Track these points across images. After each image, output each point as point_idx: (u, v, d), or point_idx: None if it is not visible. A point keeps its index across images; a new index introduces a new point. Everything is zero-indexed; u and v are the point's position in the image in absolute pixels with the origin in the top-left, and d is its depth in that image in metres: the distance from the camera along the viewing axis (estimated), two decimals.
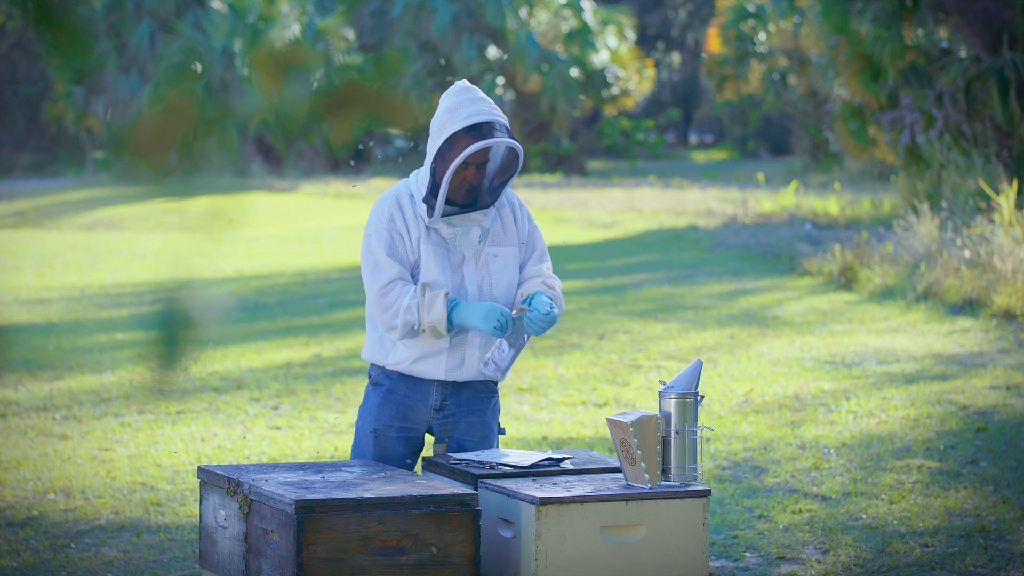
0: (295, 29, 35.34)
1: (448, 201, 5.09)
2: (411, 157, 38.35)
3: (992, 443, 8.58)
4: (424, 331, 5.03)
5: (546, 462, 4.92)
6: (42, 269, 18.89)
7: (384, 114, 2.50)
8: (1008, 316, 13.10)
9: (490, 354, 5.05)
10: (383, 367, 5.17)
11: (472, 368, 5.10)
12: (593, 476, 4.82)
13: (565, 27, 39.84)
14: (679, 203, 27.55)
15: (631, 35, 42.01)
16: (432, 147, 5.07)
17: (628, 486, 4.67)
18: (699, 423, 4.73)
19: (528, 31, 38.78)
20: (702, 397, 4.77)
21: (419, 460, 5.22)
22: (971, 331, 12.58)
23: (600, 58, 40.21)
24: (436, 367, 5.10)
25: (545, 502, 4.51)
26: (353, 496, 4.42)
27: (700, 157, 50.09)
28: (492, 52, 38.64)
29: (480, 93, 5.11)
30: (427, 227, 5.10)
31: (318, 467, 4.90)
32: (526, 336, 5.06)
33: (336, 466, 4.92)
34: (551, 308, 5.02)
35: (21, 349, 12.24)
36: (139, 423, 9.41)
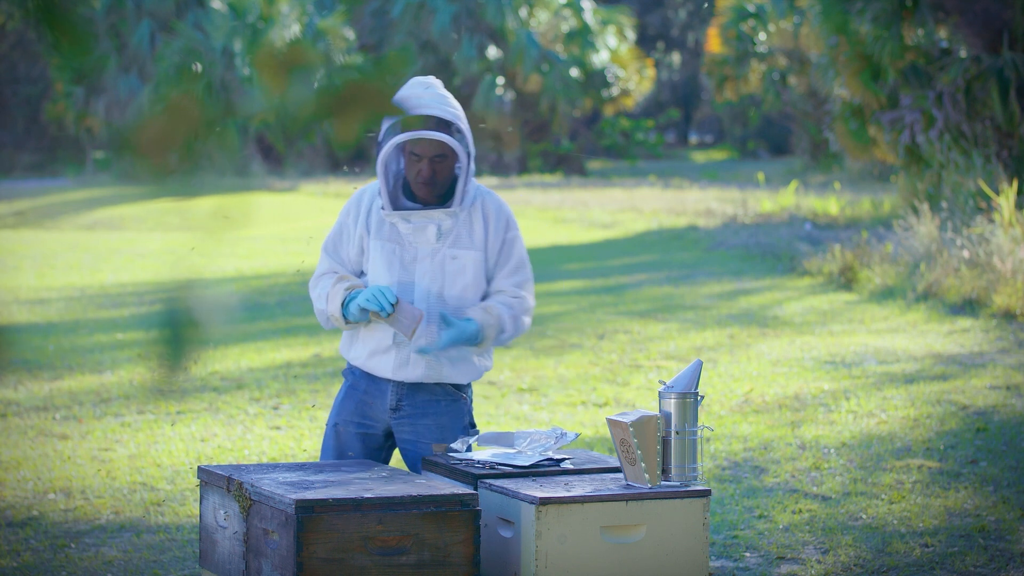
0: (295, 29, 35.34)
1: (414, 197, 5.07)
2: None
3: (992, 443, 8.58)
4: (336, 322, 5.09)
5: (546, 462, 4.92)
6: (42, 269, 18.88)
7: (388, 114, 2.51)
8: (1008, 316, 13.10)
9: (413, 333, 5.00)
10: (349, 362, 5.24)
11: (419, 368, 5.08)
12: (593, 476, 4.82)
13: (565, 27, 39.84)
14: (679, 203, 27.54)
15: (631, 35, 42.03)
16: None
17: (628, 486, 4.67)
18: (699, 423, 4.72)
19: (528, 31, 38.78)
20: (702, 397, 4.77)
21: (386, 459, 5.23)
22: (971, 331, 12.58)
23: (600, 58, 40.22)
24: (385, 364, 5.11)
25: (545, 502, 4.51)
26: (353, 496, 4.42)
27: (700, 157, 50.09)
28: (492, 52, 38.62)
29: (436, 89, 5.04)
30: (382, 222, 5.09)
31: (318, 467, 4.89)
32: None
33: (336, 466, 4.92)
34: (453, 339, 4.98)
35: (21, 349, 12.23)
36: (139, 423, 9.41)
